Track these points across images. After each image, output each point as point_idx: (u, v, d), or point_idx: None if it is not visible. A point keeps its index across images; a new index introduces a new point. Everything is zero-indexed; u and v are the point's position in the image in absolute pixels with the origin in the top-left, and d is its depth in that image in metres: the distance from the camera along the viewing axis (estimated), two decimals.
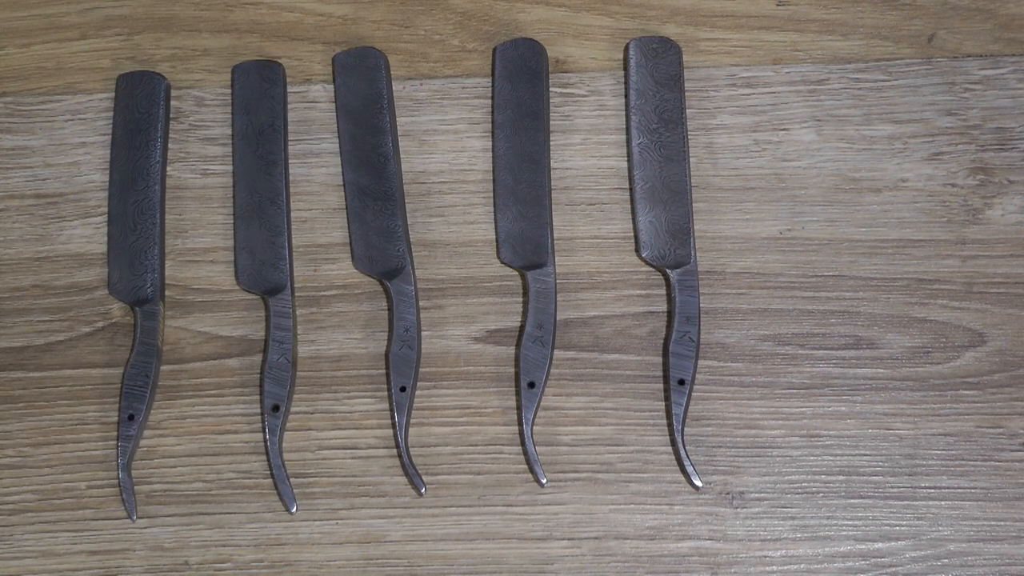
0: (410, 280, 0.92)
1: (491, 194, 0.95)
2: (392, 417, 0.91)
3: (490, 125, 0.96)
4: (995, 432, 0.91)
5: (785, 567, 0.90)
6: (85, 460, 0.92)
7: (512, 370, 0.93)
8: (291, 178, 0.96)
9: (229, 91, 0.97)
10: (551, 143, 0.96)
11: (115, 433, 0.92)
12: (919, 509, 0.90)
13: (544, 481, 0.90)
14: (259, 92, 0.96)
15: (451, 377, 0.93)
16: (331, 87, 0.98)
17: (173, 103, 0.98)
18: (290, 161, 0.96)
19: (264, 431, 0.91)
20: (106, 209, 0.96)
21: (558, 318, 0.93)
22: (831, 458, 0.91)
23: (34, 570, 0.91)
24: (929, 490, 0.90)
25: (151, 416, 0.92)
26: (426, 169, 0.96)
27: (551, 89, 0.97)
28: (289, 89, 0.97)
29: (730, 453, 0.91)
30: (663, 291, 0.93)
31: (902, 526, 0.90)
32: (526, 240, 0.93)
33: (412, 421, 0.91)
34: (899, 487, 0.90)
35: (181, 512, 0.91)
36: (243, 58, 0.98)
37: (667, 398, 0.91)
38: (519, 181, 0.94)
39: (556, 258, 0.94)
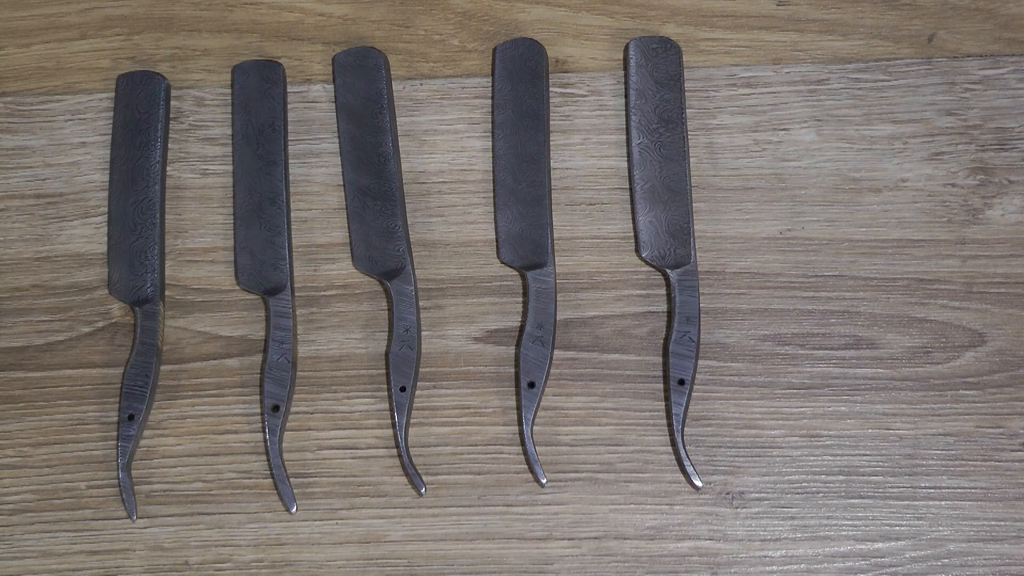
0: (410, 280, 0.92)
1: (491, 194, 0.95)
2: (392, 417, 0.91)
3: (490, 125, 0.96)
4: (995, 432, 0.91)
5: (785, 567, 0.90)
6: (85, 460, 0.92)
7: (512, 370, 0.93)
8: (291, 178, 0.96)
9: (229, 91, 0.97)
10: (551, 143, 0.96)
11: (115, 433, 0.92)
12: (919, 509, 0.90)
13: (544, 481, 0.90)
14: (259, 92, 0.96)
15: (451, 377, 0.93)
16: (331, 87, 0.98)
17: (173, 103, 0.98)
18: (290, 161, 0.96)
19: (264, 431, 0.91)
20: (106, 209, 0.96)
21: (558, 318, 0.93)
22: (831, 458, 0.91)
23: (34, 570, 0.91)
24: (929, 490, 0.90)
25: (151, 416, 0.92)
26: (426, 169, 0.96)
27: (551, 89, 0.97)
28: (289, 89, 0.97)
29: (730, 453, 0.91)
30: (663, 291, 0.93)
31: (902, 526, 0.90)
32: (526, 240, 0.93)
33: (412, 421, 0.91)
34: (899, 487, 0.90)
35: (181, 512, 0.91)
36: (243, 58, 0.98)
37: (667, 398, 0.91)
38: (519, 181, 0.94)
39: (556, 258, 0.94)
